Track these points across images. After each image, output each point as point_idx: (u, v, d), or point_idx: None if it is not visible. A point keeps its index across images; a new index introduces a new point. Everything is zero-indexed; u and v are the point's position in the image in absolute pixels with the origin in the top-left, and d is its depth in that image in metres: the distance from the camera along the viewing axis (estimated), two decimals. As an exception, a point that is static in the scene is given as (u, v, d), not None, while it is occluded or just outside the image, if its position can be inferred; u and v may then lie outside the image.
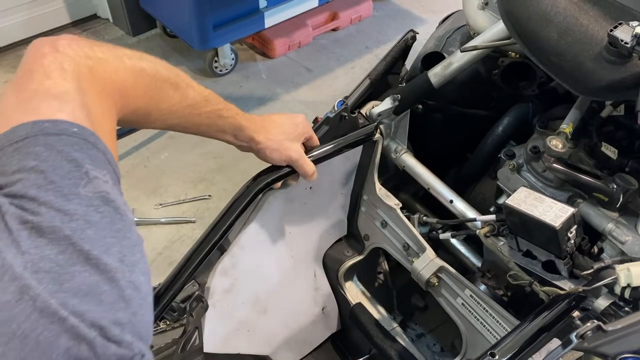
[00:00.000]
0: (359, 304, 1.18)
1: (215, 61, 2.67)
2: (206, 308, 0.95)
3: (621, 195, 0.83)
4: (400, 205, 1.12)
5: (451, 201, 1.05)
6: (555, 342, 0.77)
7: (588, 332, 0.73)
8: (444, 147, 1.29)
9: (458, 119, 1.26)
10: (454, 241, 1.15)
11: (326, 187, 1.14)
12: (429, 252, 1.04)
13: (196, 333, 0.95)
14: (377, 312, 1.19)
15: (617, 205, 0.84)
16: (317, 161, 1.02)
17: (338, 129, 1.07)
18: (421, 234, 1.09)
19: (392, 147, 1.14)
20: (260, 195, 1.01)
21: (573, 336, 0.74)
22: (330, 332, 1.22)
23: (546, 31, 0.88)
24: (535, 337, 0.78)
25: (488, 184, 1.17)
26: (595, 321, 0.74)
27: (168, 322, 0.95)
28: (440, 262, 1.03)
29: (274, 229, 1.09)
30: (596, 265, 0.81)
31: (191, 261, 0.93)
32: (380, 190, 1.14)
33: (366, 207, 1.17)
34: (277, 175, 0.98)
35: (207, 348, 0.97)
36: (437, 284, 1.04)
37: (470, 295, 1.00)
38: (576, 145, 1.00)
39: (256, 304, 1.07)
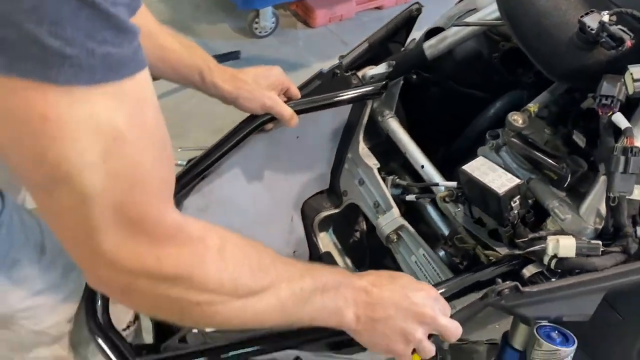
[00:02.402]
0: (328, 253, 1.26)
1: (256, 22, 2.76)
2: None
3: (569, 176, 0.87)
4: (378, 165, 1.18)
5: (422, 166, 1.10)
6: (475, 297, 0.83)
7: (505, 290, 0.79)
8: (437, 123, 1.34)
9: (454, 97, 1.30)
10: (430, 209, 1.20)
11: (313, 139, 1.21)
12: (395, 210, 1.11)
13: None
14: (344, 264, 1.27)
15: (565, 185, 0.88)
16: (300, 111, 1.10)
17: (330, 85, 1.14)
18: (393, 195, 1.15)
19: (380, 110, 1.20)
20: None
21: (491, 292, 0.80)
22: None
23: (529, 12, 0.92)
24: (461, 292, 0.84)
25: (473, 161, 1.22)
26: (514, 282, 0.79)
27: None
28: (402, 221, 1.09)
29: (256, 167, 1.17)
30: (531, 235, 0.86)
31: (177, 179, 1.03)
32: (363, 150, 1.20)
33: (349, 165, 1.24)
34: (260, 121, 1.06)
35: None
36: (395, 240, 1.10)
37: (424, 255, 1.06)
38: (555, 133, 1.04)
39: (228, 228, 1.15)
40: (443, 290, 0.80)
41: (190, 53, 1.01)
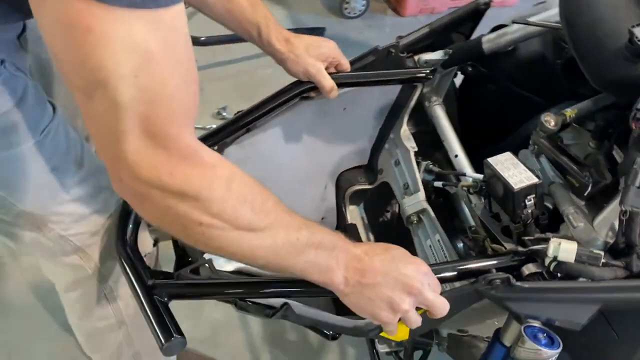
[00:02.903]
0: (354, 225, 1.30)
1: (347, 3, 2.80)
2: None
3: (590, 185, 0.86)
4: (416, 149, 1.20)
5: (456, 155, 1.12)
6: (466, 281, 0.84)
7: (497, 280, 0.80)
8: (489, 120, 1.33)
9: (508, 97, 1.29)
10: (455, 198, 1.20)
11: (359, 114, 1.25)
12: (421, 194, 1.13)
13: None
14: (367, 239, 1.30)
15: (585, 194, 0.87)
16: (348, 84, 1.14)
17: (383, 63, 1.17)
18: (424, 180, 1.17)
19: (429, 96, 1.22)
20: (297, 99, 1.16)
21: (482, 279, 0.81)
22: (323, 241, 1.35)
23: (585, 17, 0.91)
24: (457, 275, 0.86)
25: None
26: (507, 274, 0.81)
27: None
28: (425, 205, 1.11)
29: (300, 131, 1.23)
30: (537, 235, 0.86)
31: (218, 130, 1.11)
32: (405, 132, 1.23)
33: (389, 145, 1.27)
34: (303, 87, 1.11)
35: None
36: (415, 222, 1.12)
37: (438, 240, 1.08)
38: (599, 148, 1.02)
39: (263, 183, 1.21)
40: (435, 269, 0.82)
41: (254, 9, 1.07)
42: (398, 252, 0.81)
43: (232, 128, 1.13)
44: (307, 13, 2.88)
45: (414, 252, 1.17)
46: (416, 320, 0.79)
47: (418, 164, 1.19)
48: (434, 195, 1.18)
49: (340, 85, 1.13)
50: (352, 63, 1.16)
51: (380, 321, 0.79)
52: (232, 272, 0.96)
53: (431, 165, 1.18)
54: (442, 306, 0.78)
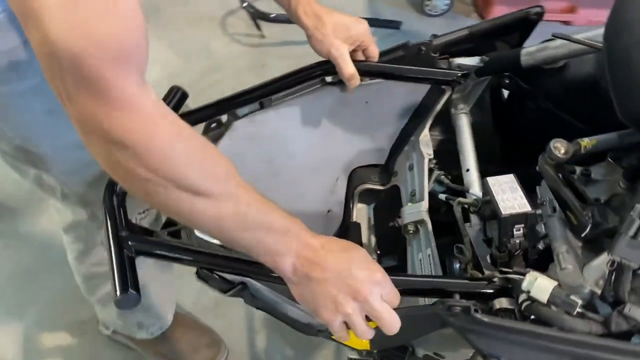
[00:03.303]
0: (357, 224, 1.25)
1: (429, 0, 2.71)
2: (221, 135, 1.10)
3: (589, 226, 0.77)
4: (431, 156, 1.13)
5: (467, 170, 1.04)
6: (427, 302, 0.78)
7: (456, 307, 0.73)
8: (523, 140, 1.23)
9: (548, 119, 1.18)
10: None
11: (382, 110, 1.19)
12: (424, 203, 1.06)
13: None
14: (367, 241, 1.25)
15: (583, 235, 0.78)
16: (372, 74, 1.09)
17: (412, 59, 1.10)
18: (433, 190, 1.10)
19: (456, 102, 1.14)
20: (319, 84, 1.12)
21: (441, 302, 0.75)
22: (326, 233, 1.30)
23: (623, 38, 0.81)
24: (416, 291, 0.80)
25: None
26: (469, 302, 0.74)
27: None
28: (425, 216, 1.04)
29: (318, 118, 1.18)
30: (516, 268, 0.78)
31: (234, 97, 1.10)
32: (425, 137, 1.16)
33: (408, 147, 1.21)
34: (323, 68, 1.07)
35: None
36: (412, 232, 1.06)
37: (429, 255, 1.01)
38: (628, 189, 0.91)
39: (270, 163, 1.19)
40: (395, 279, 0.76)
41: None
42: (358, 254, 0.76)
43: (245, 98, 1.10)
44: (387, 5, 2.81)
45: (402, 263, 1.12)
46: (363, 330, 0.74)
47: (431, 172, 1.12)
48: (444, 208, 1.11)
49: (363, 74, 1.08)
50: (380, 55, 1.10)
51: (322, 319, 0.74)
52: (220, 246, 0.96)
53: (442, 176, 1.10)
54: (390, 320, 0.73)
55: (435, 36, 1.12)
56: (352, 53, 1.08)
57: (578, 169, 0.94)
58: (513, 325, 0.72)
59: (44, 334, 1.64)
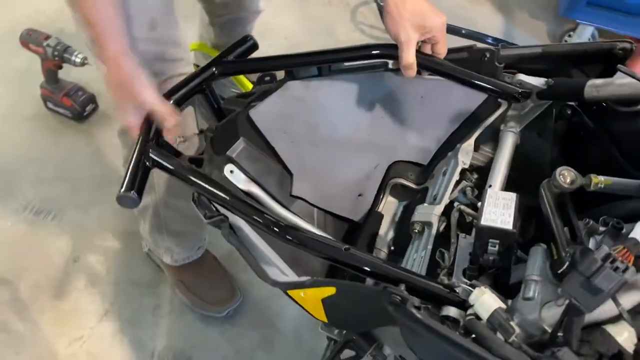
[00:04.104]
0: (380, 214, 1.24)
1: (569, 36, 2.55)
2: (271, 90, 1.14)
3: (566, 264, 0.71)
4: (466, 166, 1.09)
5: (490, 186, 0.99)
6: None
7: (396, 296, 0.72)
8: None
9: (610, 165, 1.08)
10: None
11: (435, 110, 1.17)
12: (438, 208, 1.03)
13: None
14: (384, 235, 1.23)
15: (559, 272, 0.72)
16: (429, 69, 1.07)
17: (474, 64, 1.07)
18: (456, 199, 1.07)
19: (508, 120, 1.09)
20: (381, 66, 1.13)
21: (384, 286, 0.74)
22: (350, 216, 1.30)
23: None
24: (371, 273, 0.79)
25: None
26: (413, 300, 0.72)
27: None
28: (433, 220, 1.02)
29: (372, 100, 1.19)
30: (475, 281, 0.75)
31: (294, 56, 1.14)
32: (469, 146, 1.12)
33: (452, 153, 1.17)
34: (388, 50, 1.07)
35: (255, 118, 1.18)
36: (417, 231, 1.04)
37: (422, 257, 0.98)
38: None
39: (313, 131, 1.21)
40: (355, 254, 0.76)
41: None
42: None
43: (304, 60, 1.14)
44: (524, 31, 2.69)
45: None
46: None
47: (459, 181, 1.08)
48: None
49: (422, 67, 1.07)
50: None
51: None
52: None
53: (469, 188, 1.06)
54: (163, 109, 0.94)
55: (504, 46, 1.07)
56: (421, 44, 1.07)
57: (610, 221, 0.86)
58: (444, 331, 0.68)
59: (98, 231, 1.82)
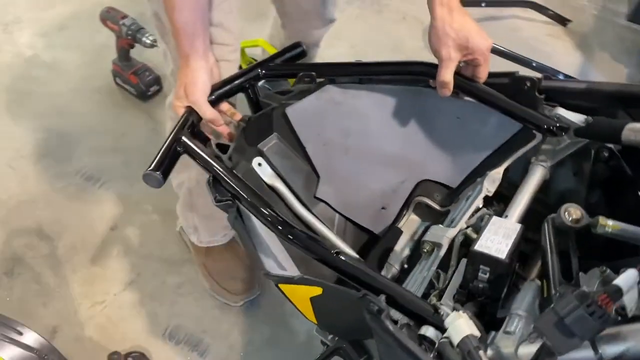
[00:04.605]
0: (399, 230, 1.22)
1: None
2: (309, 91, 1.16)
3: (553, 303, 0.68)
4: (490, 194, 1.06)
5: (506, 216, 0.96)
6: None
7: (374, 305, 0.71)
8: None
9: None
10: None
11: (470, 134, 1.15)
12: (452, 231, 1.01)
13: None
14: (400, 252, 1.21)
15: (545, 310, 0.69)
16: (465, 90, 1.06)
17: (514, 92, 1.04)
18: (472, 225, 1.04)
19: (540, 153, 1.05)
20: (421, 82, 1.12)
21: (364, 293, 0.73)
22: (370, 227, 1.30)
23: None
24: (360, 281, 0.79)
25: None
26: (390, 311, 0.71)
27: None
28: (445, 242, 0.99)
29: (408, 114, 1.18)
30: (456, 304, 0.73)
31: (338, 65, 1.16)
32: (497, 174, 1.09)
33: (480, 179, 1.14)
34: (427, 68, 1.07)
35: (290, 115, 1.20)
36: (426, 251, 1.02)
37: (423, 278, 0.97)
38: None
39: (345, 137, 1.22)
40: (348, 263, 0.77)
41: None
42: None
43: (348, 70, 1.16)
44: (602, 73, 2.58)
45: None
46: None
47: (480, 208, 1.05)
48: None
49: (459, 87, 1.06)
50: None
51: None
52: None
53: (487, 216, 1.03)
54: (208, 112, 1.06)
55: (547, 78, 1.03)
56: (462, 65, 1.06)
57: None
58: (411, 347, 0.67)
59: (139, 205, 1.91)
